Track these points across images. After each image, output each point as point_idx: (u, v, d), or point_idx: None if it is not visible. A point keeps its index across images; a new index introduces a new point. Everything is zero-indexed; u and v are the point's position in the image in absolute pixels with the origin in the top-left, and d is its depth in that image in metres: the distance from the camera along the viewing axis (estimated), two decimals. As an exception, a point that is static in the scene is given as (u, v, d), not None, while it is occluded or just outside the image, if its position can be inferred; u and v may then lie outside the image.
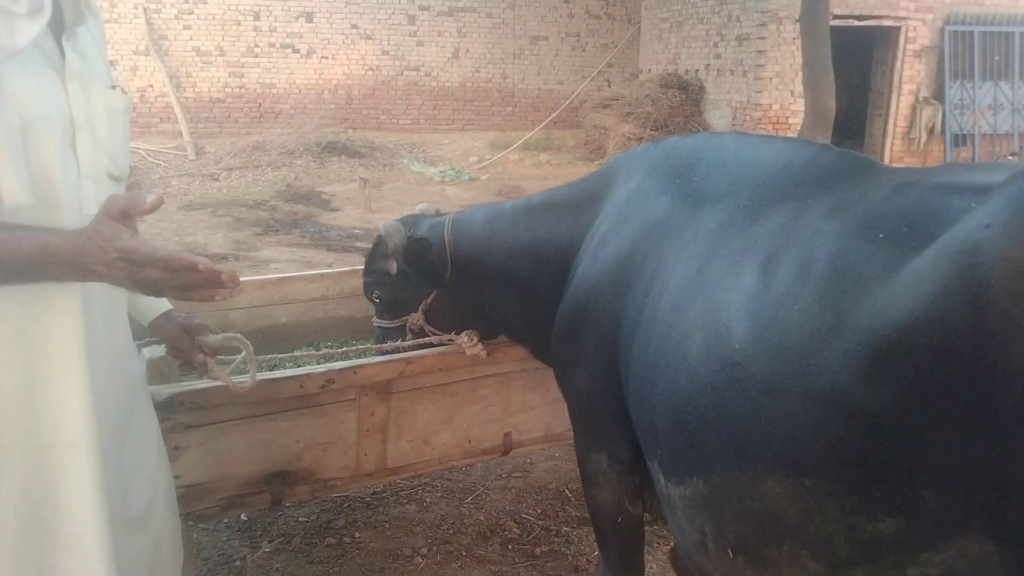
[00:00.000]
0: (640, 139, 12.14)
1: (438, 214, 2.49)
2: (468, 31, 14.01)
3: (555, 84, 14.53)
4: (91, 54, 1.49)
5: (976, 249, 1.08)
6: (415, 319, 2.37)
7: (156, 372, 2.04)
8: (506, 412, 2.55)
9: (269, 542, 3.00)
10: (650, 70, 14.15)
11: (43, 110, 1.36)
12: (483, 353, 2.34)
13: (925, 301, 1.11)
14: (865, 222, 1.28)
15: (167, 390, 2.01)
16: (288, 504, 3.12)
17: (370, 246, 2.55)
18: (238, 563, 2.87)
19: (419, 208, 2.57)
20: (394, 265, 2.38)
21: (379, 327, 2.52)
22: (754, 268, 1.36)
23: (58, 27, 1.42)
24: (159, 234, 7.76)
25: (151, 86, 12.73)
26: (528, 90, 14.43)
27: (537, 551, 2.95)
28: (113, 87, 1.58)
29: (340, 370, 2.22)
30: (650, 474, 1.66)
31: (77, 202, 1.43)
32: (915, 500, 1.13)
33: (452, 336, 2.34)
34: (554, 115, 14.11)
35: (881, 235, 1.25)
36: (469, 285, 2.30)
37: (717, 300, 1.40)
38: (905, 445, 1.13)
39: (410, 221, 2.40)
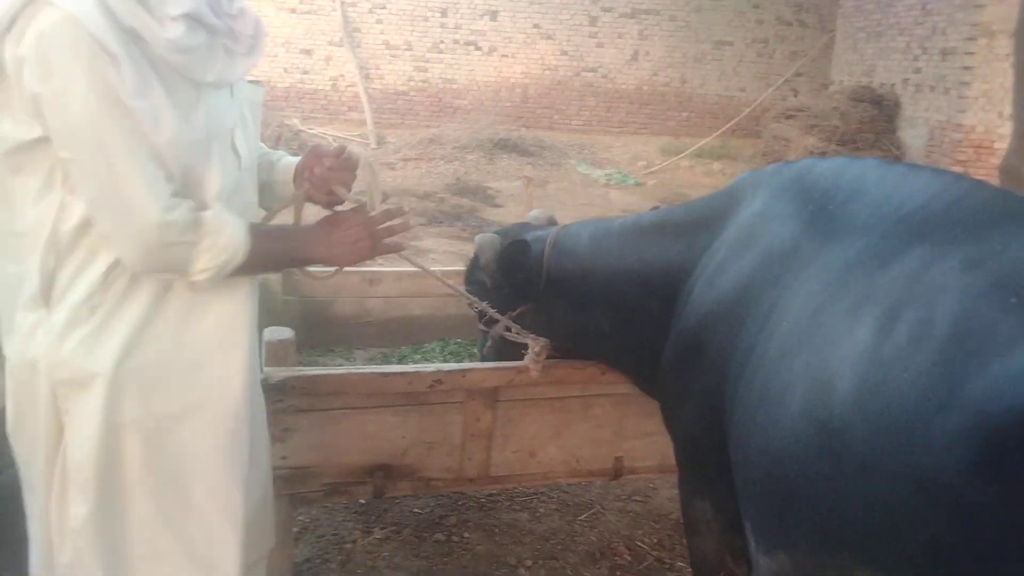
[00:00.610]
0: (824, 153, 11.41)
1: (550, 223, 2.41)
2: (649, 33, 13.77)
3: (736, 91, 13.99)
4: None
5: None
6: (497, 329, 2.30)
7: (273, 355, 2.11)
8: (619, 435, 2.44)
9: (381, 529, 3.05)
10: (841, 82, 13.29)
11: (220, 121, 1.55)
12: (536, 370, 2.22)
13: None
14: (999, 281, 1.10)
15: (282, 373, 2.08)
16: (391, 497, 3.18)
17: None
18: (348, 545, 2.94)
19: (532, 215, 2.50)
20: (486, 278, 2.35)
21: (481, 333, 2.52)
22: (871, 320, 1.19)
23: None
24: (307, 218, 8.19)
25: (342, 76, 13.47)
26: (707, 96, 13.98)
27: (645, 583, 2.82)
28: (251, 80, 1.68)
29: (448, 371, 2.21)
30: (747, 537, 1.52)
31: (242, 193, 1.62)
32: None
33: (527, 339, 2.23)
34: (732, 123, 13.58)
35: (1013, 299, 1.06)
36: (562, 303, 2.21)
37: (825, 352, 1.24)
38: (1014, 552, 0.96)
39: (514, 230, 2.34)
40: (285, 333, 2.14)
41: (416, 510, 3.21)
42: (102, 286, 1.48)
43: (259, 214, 1.77)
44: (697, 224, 1.89)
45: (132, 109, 1.37)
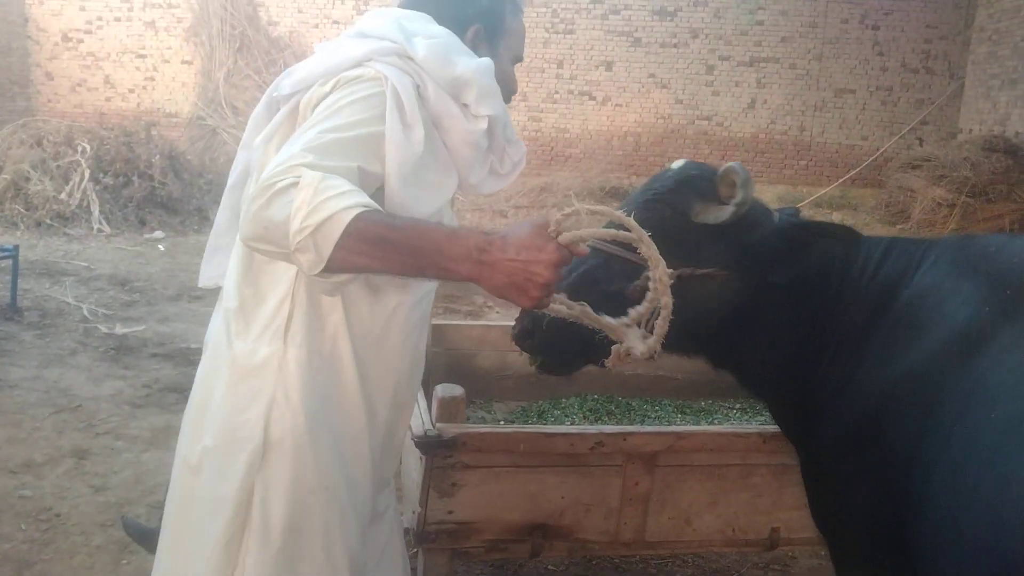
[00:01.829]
0: (952, 205, 10.97)
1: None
2: (768, 82, 13.64)
3: (858, 139, 13.63)
4: None
5: None
6: (656, 288, 1.42)
7: (445, 411, 2.19)
8: (777, 505, 2.40)
9: (519, 584, 3.08)
10: (971, 130, 12.75)
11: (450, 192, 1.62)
12: (644, 353, 1.42)
13: None
14: None
15: (454, 429, 2.15)
16: (549, 565, 3.20)
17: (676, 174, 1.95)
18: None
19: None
20: (718, 212, 1.82)
21: (586, 274, 1.80)
22: None
23: None
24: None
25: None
26: (827, 144, 13.68)
27: (790, 656, 2.73)
28: None
29: (610, 434, 2.23)
30: None
31: None
32: None
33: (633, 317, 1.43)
34: (854, 172, 13.23)
35: None
36: (778, 310, 1.86)
37: None
38: None
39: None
40: (456, 391, 2.22)
41: (551, 567, 3.22)
42: (320, 336, 1.52)
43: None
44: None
45: (396, 167, 1.41)
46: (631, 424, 2.99)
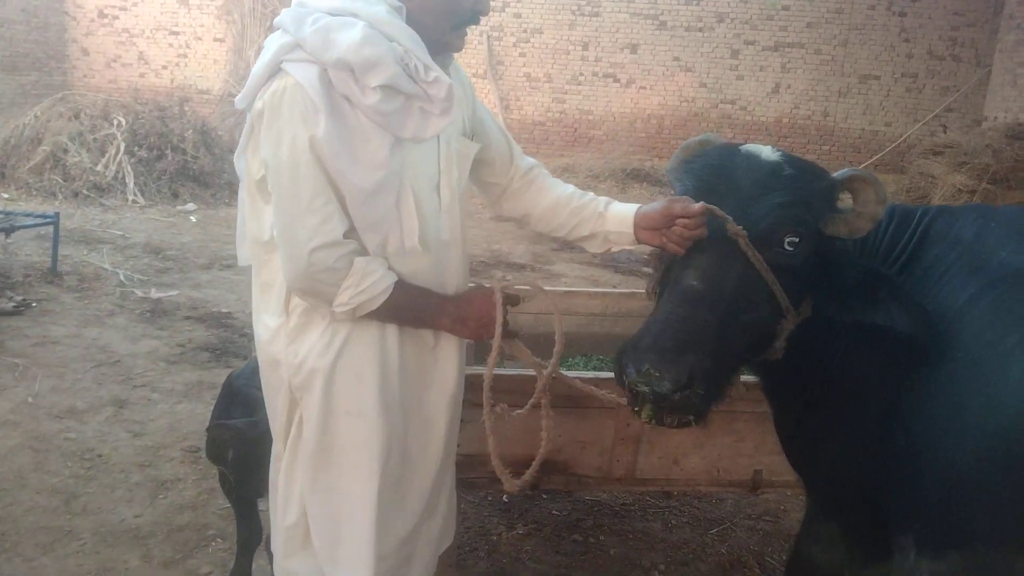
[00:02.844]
0: (973, 192, 10.96)
1: None
2: (792, 67, 13.65)
3: (882, 126, 13.62)
4: (459, 107, 1.94)
5: None
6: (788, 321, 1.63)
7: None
8: (759, 449, 2.59)
9: (523, 526, 3.31)
10: (996, 118, 12.69)
11: (423, 168, 1.86)
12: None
13: None
14: None
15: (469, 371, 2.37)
16: (543, 492, 3.42)
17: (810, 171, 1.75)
18: (494, 538, 3.22)
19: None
20: (856, 224, 1.66)
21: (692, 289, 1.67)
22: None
23: None
24: (471, 240, 8.64)
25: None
26: (850, 130, 13.68)
27: (776, 596, 2.94)
28: (466, 135, 1.98)
29: (605, 379, 2.44)
30: (895, 551, 1.62)
31: (436, 231, 1.91)
32: None
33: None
34: (876, 157, 13.23)
35: None
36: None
37: (1006, 376, 1.39)
38: None
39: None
40: None
41: (555, 512, 3.45)
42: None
43: (454, 252, 1.97)
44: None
45: (327, 158, 1.69)
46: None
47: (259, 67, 1.77)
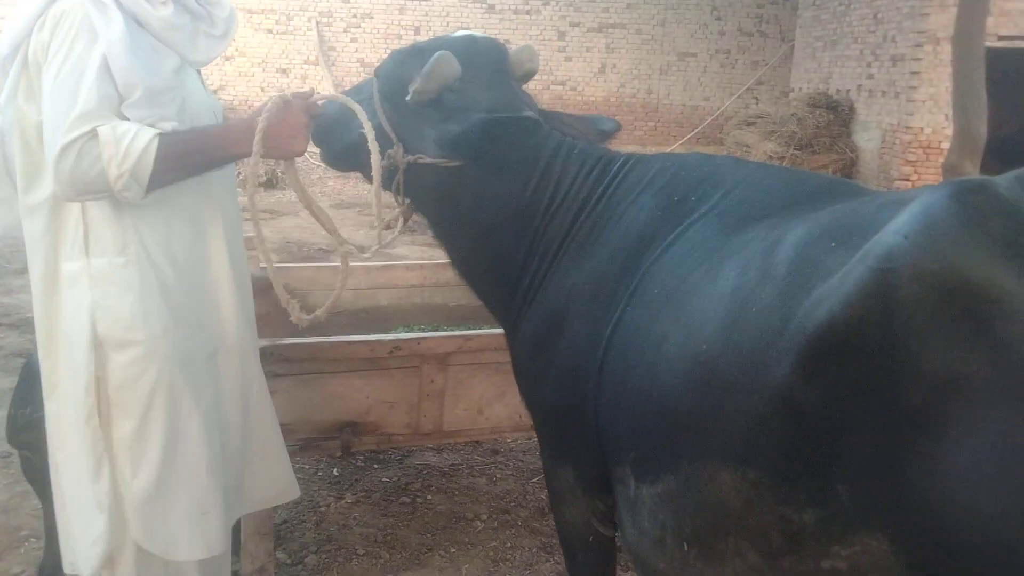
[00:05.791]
0: (782, 158, 11.91)
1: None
2: (616, 47, 14.27)
3: (701, 100, 14.51)
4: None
5: (890, 255, 1.17)
6: (393, 160, 2.07)
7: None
8: (556, 393, 2.80)
9: (352, 495, 3.39)
10: (800, 89, 13.82)
11: (200, 100, 1.92)
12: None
13: (843, 302, 1.20)
14: (823, 233, 1.39)
15: (262, 342, 2.42)
16: (362, 467, 3.51)
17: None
18: (323, 509, 3.28)
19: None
20: (423, 88, 1.99)
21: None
22: (729, 273, 1.49)
23: None
24: (310, 227, 8.54)
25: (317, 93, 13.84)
26: (672, 106, 14.49)
27: (587, 530, 3.17)
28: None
29: (406, 339, 2.56)
30: (617, 484, 1.71)
31: None
32: (831, 492, 1.23)
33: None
34: (697, 131, 14.10)
35: (833, 244, 1.35)
36: (474, 197, 2.04)
37: (694, 304, 1.53)
38: (826, 440, 1.23)
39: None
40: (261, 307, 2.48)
41: (384, 479, 3.55)
42: (134, 235, 1.79)
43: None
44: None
45: (116, 69, 1.66)
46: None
47: (35, 3, 1.71)
